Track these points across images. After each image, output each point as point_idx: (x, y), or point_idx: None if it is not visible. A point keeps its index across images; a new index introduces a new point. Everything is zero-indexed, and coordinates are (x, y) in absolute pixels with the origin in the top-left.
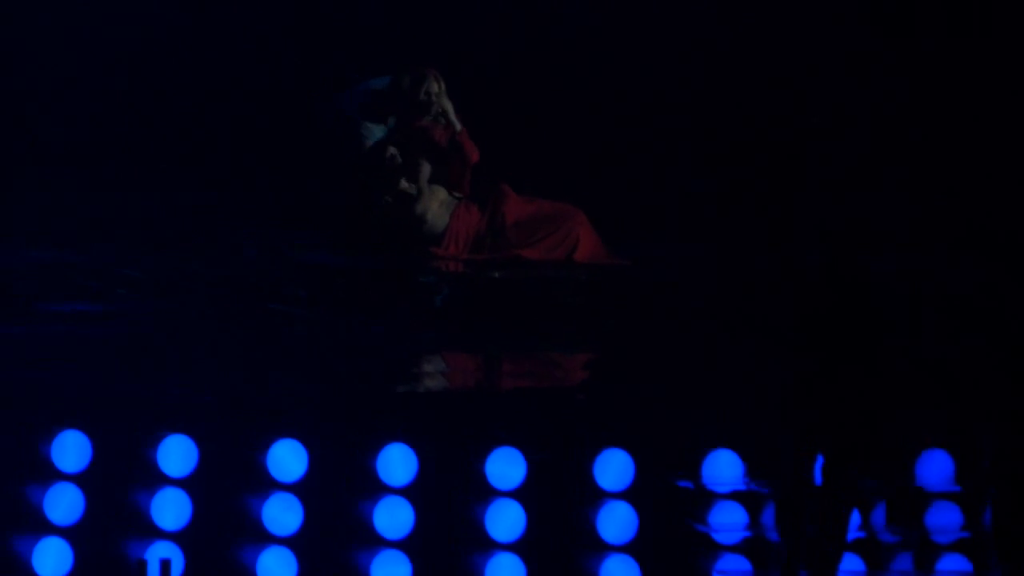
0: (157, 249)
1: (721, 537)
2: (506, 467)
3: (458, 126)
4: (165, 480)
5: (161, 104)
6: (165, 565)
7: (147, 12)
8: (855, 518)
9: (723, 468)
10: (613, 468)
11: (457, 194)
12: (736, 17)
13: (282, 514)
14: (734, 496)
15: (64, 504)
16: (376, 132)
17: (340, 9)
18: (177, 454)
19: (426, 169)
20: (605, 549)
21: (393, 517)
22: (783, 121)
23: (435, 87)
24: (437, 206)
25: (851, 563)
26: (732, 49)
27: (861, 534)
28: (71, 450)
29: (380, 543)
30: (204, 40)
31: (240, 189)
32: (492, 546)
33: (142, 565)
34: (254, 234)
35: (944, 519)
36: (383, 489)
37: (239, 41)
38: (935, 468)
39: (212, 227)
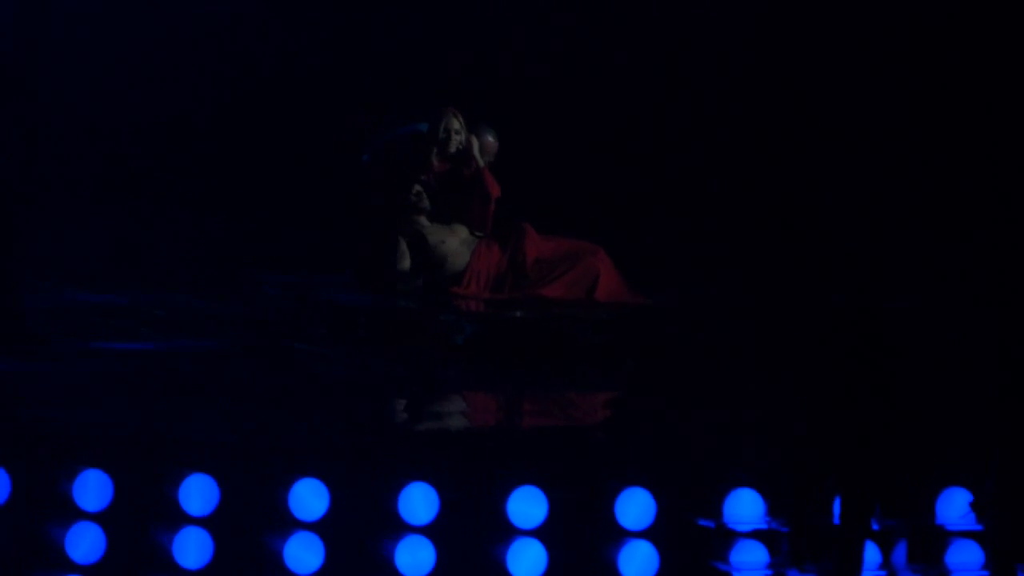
0: (180, 288)
1: None
2: (527, 506)
3: (481, 162)
4: (186, 519)
5: (184, 145)
6: None
7: (178, 54)
8: (874, 555)
9: (745, 507)
10: (634, 507)
11: (479, 232)
12: (763, 60)
13: (303, 553)
14: (756, 535)
15: (85, 543)
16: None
17: (363, 53)
18: (198, 493)
19: (448, 207)
20: None
21: (414, 556)
22: (804, 159)
23: (455, 124)
24: (458, 244)
25: None
26: (756, 91)
27: (882, 573)
28: (92, 489)
29: None
30: (230, 85)
31: (263, 230)
32: None
33: None
34: (276, 274)
35: (965, 557)
36: (404, 528)
37: (266, 85)
38: (956, 506)
39: (234, 267)
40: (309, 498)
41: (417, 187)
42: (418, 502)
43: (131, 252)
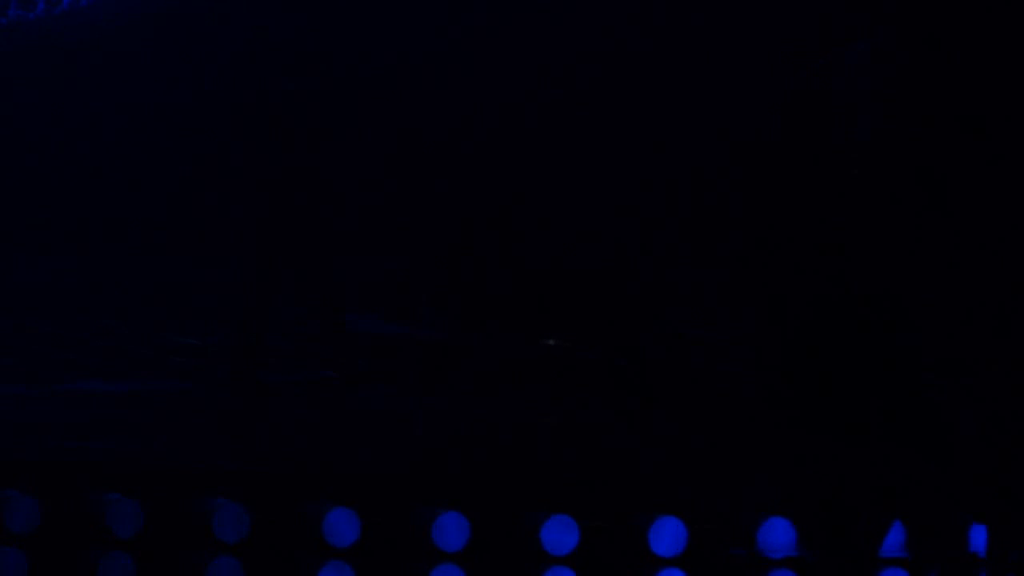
0: (212, 317)
1: None
2: (560, 534)
3: None
4: (219, 547)
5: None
6: None
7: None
8: None
9: (778, 535)
10: (667, 535)
11: None
12: None
13: None
14: (788, 563)
15: (116, 571)
16: None
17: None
18: (231, 521)
19: None
20: None
21: None
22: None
23: None
24: None
25: None
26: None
27: None
28: (123, 517)
29: None
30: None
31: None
32: None
33: None
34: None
35: None
36: (437, 555)
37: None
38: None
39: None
40: (341, 526)
41: None
42: (450, 530)
43: (166, 282)
